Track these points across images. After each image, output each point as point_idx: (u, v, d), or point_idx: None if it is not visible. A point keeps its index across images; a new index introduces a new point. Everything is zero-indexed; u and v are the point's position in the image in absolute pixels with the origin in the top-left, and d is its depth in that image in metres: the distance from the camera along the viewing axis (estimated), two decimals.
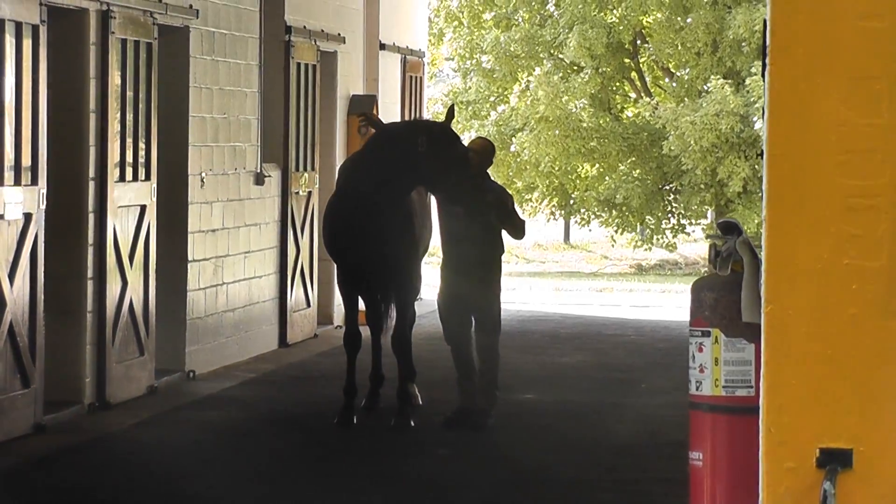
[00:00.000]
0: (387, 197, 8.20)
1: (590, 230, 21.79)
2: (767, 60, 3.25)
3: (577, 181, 20.45)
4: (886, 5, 3.16)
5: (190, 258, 9.93)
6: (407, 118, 13.64)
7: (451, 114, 8.26)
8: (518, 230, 8.20)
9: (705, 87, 19.57)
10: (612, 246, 21.96)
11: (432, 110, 17.78)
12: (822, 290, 3.30)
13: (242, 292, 10.69)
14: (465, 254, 8.10)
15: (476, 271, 8.10)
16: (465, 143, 8.48)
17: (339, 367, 8.86)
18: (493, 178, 8.45)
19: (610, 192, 19.94)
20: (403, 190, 8.24)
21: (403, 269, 8.40)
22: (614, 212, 20.21)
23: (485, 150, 8.36)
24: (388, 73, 13.72)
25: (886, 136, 3.24)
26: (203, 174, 10.16)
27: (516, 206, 8.40)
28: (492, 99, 21.29)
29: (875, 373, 3.29)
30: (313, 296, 11.79)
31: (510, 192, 8.12)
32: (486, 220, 8.07)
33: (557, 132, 19.77)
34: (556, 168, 19.86)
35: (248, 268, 10.79)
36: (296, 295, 11.48)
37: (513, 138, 20.44)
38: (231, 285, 10.55)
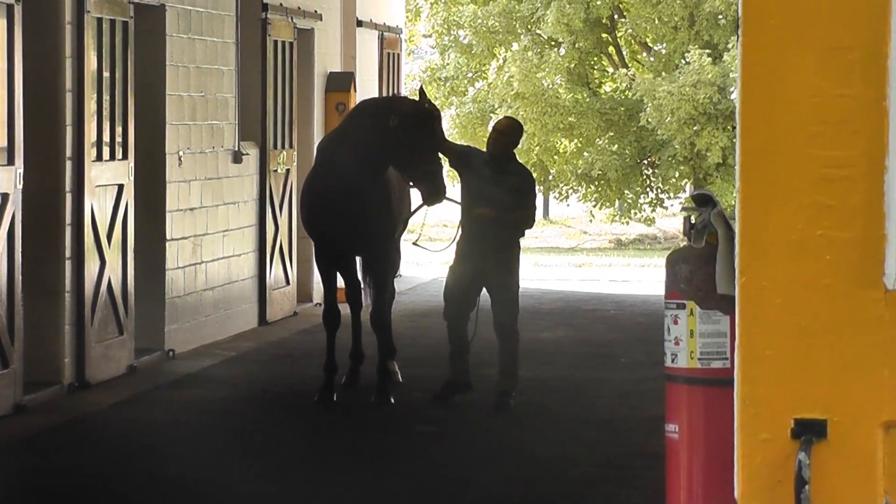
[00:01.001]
0: (363, 173, 8.16)
1: (568, 205, 21.75)
2: (740, 31, 3.25)
3: (556, 157, 20.43)
4: None
5: (168, 237, 9.90)
6: (385, 95, 13.61)
7: (421, 95, 8.18)
8: (522, 221, 8.04)
9: (683, 61, 19.55)
10: (591, 221, 21.93)
11: (410, 87, 17.76)
12: (796, 262, 3.31)
13: (221, 271, 10.66)
14: (484, 231, 8.00)
15: (495, 249, 8.01)
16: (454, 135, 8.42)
17: (319, 344, 8.85)
18: (518, 161, 8.30)
19: (588, 166, 19.93)
20: (379, 166, 8.19)
21: (382, 246, 8.38)
22: (592, 186, 20.19)
23: (511, 130, 8.18)
24: (366, 51, 13.68)
25: (859, 107, 3.24)
26: (181, 153, 10.12)
27: (535, 196, 8.24)
28: (470, 75, 21.22)
29: (849, 343, 3.30)
30: (292, 273, 11.78)
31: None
32: (506, 201, 7.98)
33: (535, 109, 19.75)
34: (535, 144, 19.83)
35: (226, 246, 10.76)
36: (275, 273, 11.47)
37: (492, 115, 20.39)
38: (210, 264, 10.52)
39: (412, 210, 8.68)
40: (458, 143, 8.81)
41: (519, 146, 8.24)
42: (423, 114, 8.05)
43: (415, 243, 8.83)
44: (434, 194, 8.04)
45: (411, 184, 8.31)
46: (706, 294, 3.99)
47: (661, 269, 4.28)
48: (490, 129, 8.45)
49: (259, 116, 11.35)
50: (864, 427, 3.26)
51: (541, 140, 19.87)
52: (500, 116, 19.86)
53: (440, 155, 8.19)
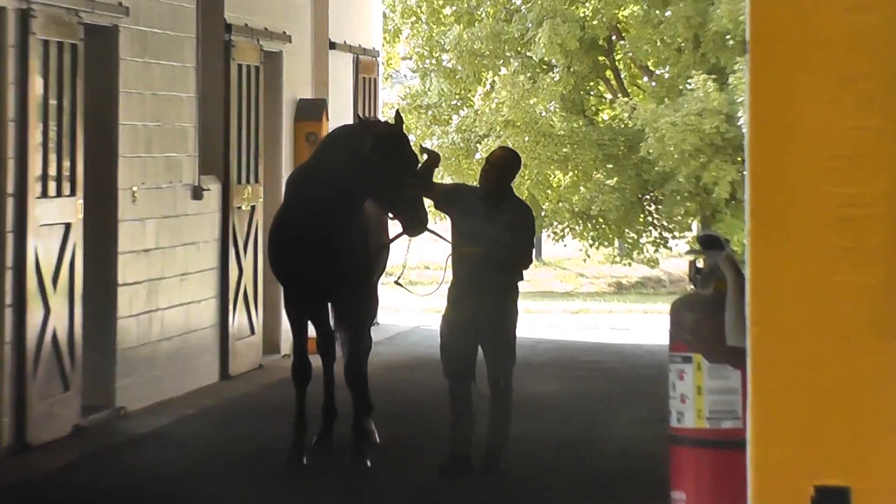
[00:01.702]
0: (338, 209, 8.18)
1: (564, 245, 21.88)
2: (748, 56, 3.25)
3: (549, 191, 20.47)
4: None
5: (120, 282, 9.89)
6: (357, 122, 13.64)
7: (398, 120, 8.20)
8: (516, 259, 7.94)
9: (687, 86, 19.65)
10: (586, 261, 22.01)
11: (388, 115, 17.82)
12: (813, 311, 3.30)
13: (179, 319, 10.66)
14: (478, 274, 7.95)
15: (491, 293, 7.94)
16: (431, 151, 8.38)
17: (288, 400, 8.81)
18: (516, 196, 8.24)
19: (585, 203, 20.00)
20: (355, 200, 8.20)
21: (358, 291, 8.38)
22: (590, 224, 20.26)
23: (506, 163, 8.12)
24: (339, 75, 13.73)
25: (878, 140, 3.24)
26: (135, 188, 10.13)
27: (533, 234, 8.14)
28: (454, 102, 21.30)
29: (872, 401, 3.28)
30: (258, 322, 11.80)
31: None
32: (501, 240, 7.90)
33: (527, 139, 19.79)
34: (526, 177, 19.88)
35: (185, 291, 10.77)
36: (238, 321, 11.48)
37: (478, 145, 20.45)
38: (166, 311, 10.52)
39: (392, 238, 8.66)
40: (445, 182, 8.78)
41: (514, 179, 8.20)
42: (396, 132, 8.06)
43: (397, 282, 8.78)
44: (415, 222, 8.02)
45: (391, 215, 8.33)
46: (714, 346, 3.97)
47: (667, 315, 4.25)
48: (482, 161, 8.38)
49: (221, 148, 11.39)
50: (892, 496, 3.24)
51: (533, 173, 19.94)
52: (488, 146, 20.25)
53: (429, 198, 8.19)
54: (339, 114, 13.37)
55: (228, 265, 11.35)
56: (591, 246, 20.63)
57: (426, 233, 8.15)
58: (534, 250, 8.90)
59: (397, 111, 8.55)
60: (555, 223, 20.58)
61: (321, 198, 8.19)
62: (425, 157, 8.26)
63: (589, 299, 19.69)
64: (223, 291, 11.31)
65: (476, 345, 8.05)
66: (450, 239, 8.14)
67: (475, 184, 8.40)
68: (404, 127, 8.38)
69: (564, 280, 22.93)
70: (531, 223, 8.13)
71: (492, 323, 7.99)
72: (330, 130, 8.83)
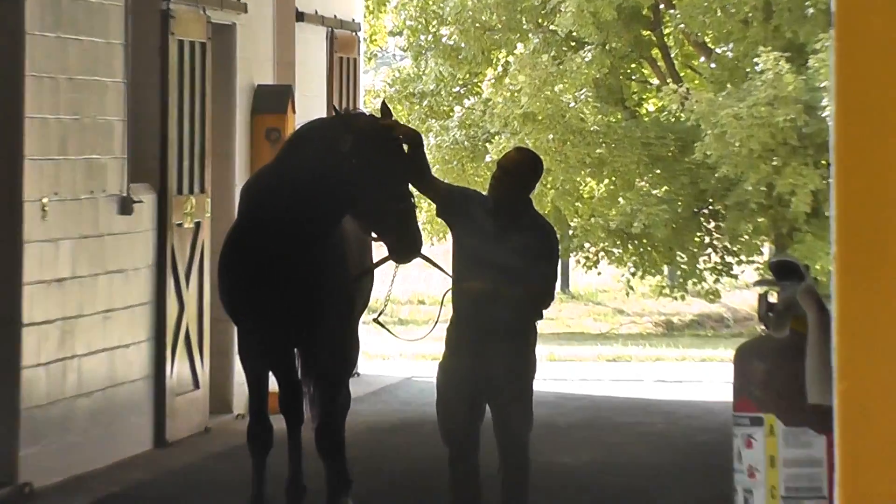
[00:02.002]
0: (308, 228, 8.19)
1: (598, 274, 21.80)
2: (833, 32, 3.26)
3: (579, 204, 20.43)
4: None
5: (26, 321, 9.89)
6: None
7: (385, 112, 8.19)
8: (536, 297, 7.90)
9: (755, 68, 19.71)
10: (629, 295, 21.97)
11: (372, 106, 17.90)
12: None
13: (101, 369, 10.65)
14: (483, 312, 7.94)
15: (500, 337, 7.93)
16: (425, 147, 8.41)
17: (242, 474, 8.80)
18: (536, 211, 8.17)
19: (625, 219, 19.95)
20: (330, 217, 8.21)
21: (333, 333, 8.40)
22: (631, 246, 20.23)
23: (522, 169, 8.03)
24: (309, 55, 13.73)
25: None
26: (45, 200, 10.13)
27: (556, 261, 8.08)
28: (456, 89, 21.27)
29: None
30: (203, 373, 11.79)
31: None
32: (513, 269, 7.88)
33: (551, 137, 19.79)
34: (549, 186, 19.85)
35: (109, 333, 10.76)
36: (178, 371, 11.48)
37: (488, 144, 20.53)
38: (85, 359, 10.51)
39: (376, 262, 8.66)
40: (448, 182, 8.76)
41: (534, 190, 8.16)
42: (384, 130, 8.06)
43: (376, 320, 8.73)
44: (406, 245, 8.01)
45: (374, 234, 8.33)
46: (791, 404, 3.99)
47: (730, 365, 4.27)
48: (492, 165, 8.38)
49: (157, 148, 11.39)
50: None
51: (558, 180, 19.90)
52: (500, 147, 20.23)
53: (428, 199, 8.22)
54: (310, 104, 13.35)
55: (166, 299, 11.36)
56: (632, 274, 20.60)
57: (419, 259, 8.14)
58: (557, 282, 8.87)
59: (384, 101, 8.55)
60: (586, 245, 20.58)
61: (287, 213, 8.22)
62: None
63: (630, 343, 19.64)
64: (159, 333, 11.31)
65: (483, 403, 8.04)
66: (448, 269, 8.11)
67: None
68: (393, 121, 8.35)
69: (598, 318, 22.96)
70: (554, 247, 8.12)
71: (502, 374, 7.98)
72: (298, 126, 8.82)
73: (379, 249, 8.56)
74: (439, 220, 8.26)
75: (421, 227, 8.33)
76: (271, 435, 8.53)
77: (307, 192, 8.12)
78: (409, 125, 20.98)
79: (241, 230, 8.47)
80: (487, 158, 20.23)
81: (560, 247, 8.94)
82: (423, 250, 8.22)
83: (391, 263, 8.24)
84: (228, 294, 8.53)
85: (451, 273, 8.10)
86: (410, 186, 8.10)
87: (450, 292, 8.08)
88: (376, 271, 8.84)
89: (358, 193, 8.02)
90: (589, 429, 12.33)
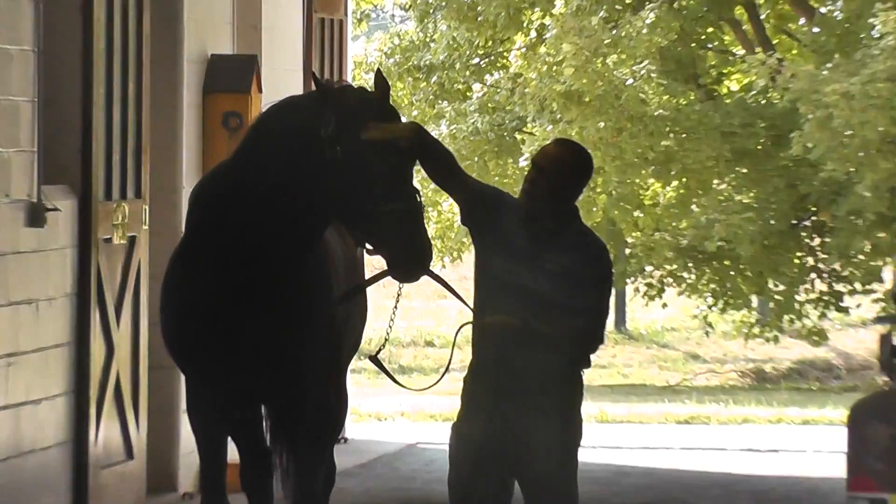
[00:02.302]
0: (280, 241, 8.30)
1: (664, 306, 21.62)
2: None
3: (639, 214, 20.36)
4: None
5: None
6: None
7: (380, 85, 8.21)
8: (581, 339, 8.06)
9: (871, 33, 19.78)
10: (708, 335, 21.78)
11: (363, 80, 17.97)
12: None
13: (3, 432, 10.64)
14: (513, 355, 8.00)
15: (537, 391, 8.01)
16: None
17: None
18: (582, 223, 8.32)
19: (699, 233, 19.91)
20: (309, 225, 8.29)
21: (313, 382, 8.54)
22: (708, 270, 20.22)
23: (564, 168, 8.16)
24: (280, 15, 13.84)
25: None
26: None
27: (608, 290, 8.21)
28: (475, 61, 21.35)
29: None
30: (139, 438, 11.82)
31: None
32: (551, 298, 7.98)
33: (603, 125, 19.81)
34: (599, 190, 19.90)
35: (13, 385, 10.78)
36: (106, 436, 11.51)
37: (518, 135, 20.59)
38: None
39: (368, 279, 8.77)
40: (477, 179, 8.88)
41: (580, 196, 8.26)
42: (376, 106, 8.12)
43: (374, 358, 8.65)
44: (410, 257, 8.09)
45: (369, 246, 8.34)
46: None
47: (841, 429, 4.29)
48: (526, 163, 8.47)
49: (79, 140, 11.46)
50: None
51: (612, 182, 19.92)
52: (536, 140, 20.38)
53: (452, 199, 8.23)
54: (280, 80, 13.49)
55: (90, 339, 11.40)
56: (710, 307, 20.69)
57: (428, 277, 8.17)
58: (609, 317, 9.03)
59: (378, 71, 8.55)
60: (648, 268, 20.62)
61: (252, 222, 8.34)
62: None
63: (708, 399, 19.63)
64: (80, 385, 11.35)
65: (510, 479, 8.16)
66: (467, 298, 8.17)
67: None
68: (390, 98, 8.39)
69: (665, 366, 23.05)
70: (606, 272, 8.20)
71: (535, 441, 8.08)
72: (265, 107, 8.73)
73: (374, 271, 8.56)
74: (453, 235, 8.24)
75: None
76: None
77: (278, 197, 8.22)
78: (416, 114, 20.93)
79: (192, 247, 8.60)
80: (522, 160, 20.28)
81: (614, 271, 9.11)
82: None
83: (391, 291, 8.30)
84: (175, 331, 8.64)
85: (469, 303, 8.17)
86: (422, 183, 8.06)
87: (467, 328, 8.15)
88: (371, 305, 8.95)
89: (344, 192, 7.98)
90: None
